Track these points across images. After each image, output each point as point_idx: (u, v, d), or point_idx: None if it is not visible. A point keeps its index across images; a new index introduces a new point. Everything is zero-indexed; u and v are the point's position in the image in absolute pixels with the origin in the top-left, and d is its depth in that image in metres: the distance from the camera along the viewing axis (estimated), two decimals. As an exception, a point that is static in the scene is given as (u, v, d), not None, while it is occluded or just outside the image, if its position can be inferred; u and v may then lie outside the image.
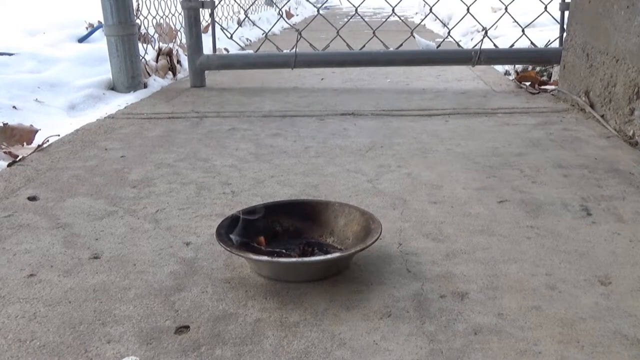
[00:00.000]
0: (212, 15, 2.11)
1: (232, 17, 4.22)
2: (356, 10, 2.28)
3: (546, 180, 1.06)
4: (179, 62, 2.39)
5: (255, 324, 0.65)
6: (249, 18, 2.69)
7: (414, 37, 2.36)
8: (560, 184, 1.04)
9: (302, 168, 1.15)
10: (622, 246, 0.81)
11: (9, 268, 0.78)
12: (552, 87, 1.87)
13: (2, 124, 1.44)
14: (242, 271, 0.76)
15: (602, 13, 1.47)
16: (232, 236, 0.77)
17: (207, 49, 2.07)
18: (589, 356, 0.58)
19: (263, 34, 2.44)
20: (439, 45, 2.31)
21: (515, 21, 2.38)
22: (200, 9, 2.01)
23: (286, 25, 4.44)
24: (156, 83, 2.08)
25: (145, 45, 2.28)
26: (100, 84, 1.96)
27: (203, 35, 2.04)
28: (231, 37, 2.41)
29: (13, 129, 1.43)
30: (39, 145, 1.31)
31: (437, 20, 2.77)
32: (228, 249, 0.73)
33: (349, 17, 2.56)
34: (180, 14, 2.81)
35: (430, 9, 2.34)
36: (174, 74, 2.31)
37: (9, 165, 1.19)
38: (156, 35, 2.63)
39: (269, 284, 0.73)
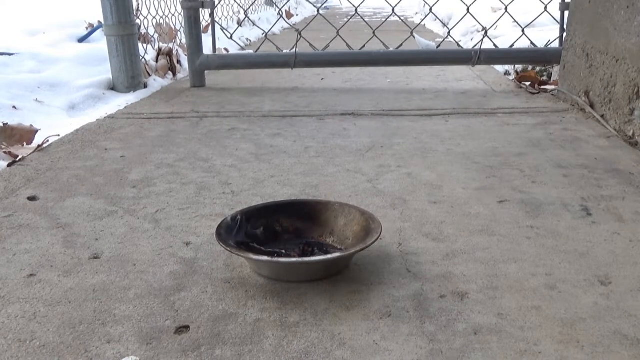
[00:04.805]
0: (212, 15, 2.11)
1: (232, 17, 4.23)
2: (356, 10, 2.28)
3: (546, 180, 1.06)
4: (179, 62, 2.39)
5: (255, 324, 0.65)
6: (249, 18, 2.69)
7: (414, 37, 2.36)
8: (560, 184, 1.04)
9: (302, 168, 1.15)
10: (622, 246, 0.81)
11: (9, 268, 0.78)
12: (552, 87, 1.87)
13: (2, 124, 1.44)
14: (242, 271, 0.76)
15: (602, 13, 1.47)
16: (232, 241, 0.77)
17: (207, 49, 2.07)
18: (589, 356, 0.58)
19: (263, 34, 2.44)
20: (439, 45, 2.31)
21: (515, 21, 2.38)
22: (200, 9, 2.01)
23: (286, 25, 4.44)
24: (156, 83, 2.08)
25: (145, 45, 2.28)
26: (100, 84, 1.96)
27: (203, 35, 2.04)
28: (231, 37, 2.41)
29: (13, 129, 1.43)
30: (39, 145, 1.31)
31: (437, 20, 2.77)
32: (228, 249, 0.73)
33: (349, 17, 2.57)
34: (180, 14, 2.81)
35: (430, 9, 2.34)
36: (174, 74, 2.31)
37: (9, 165, 1.19)
38: (156, 35, 2.63)
39: (269, 284, 0.73)
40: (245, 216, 0.81)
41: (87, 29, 3.02)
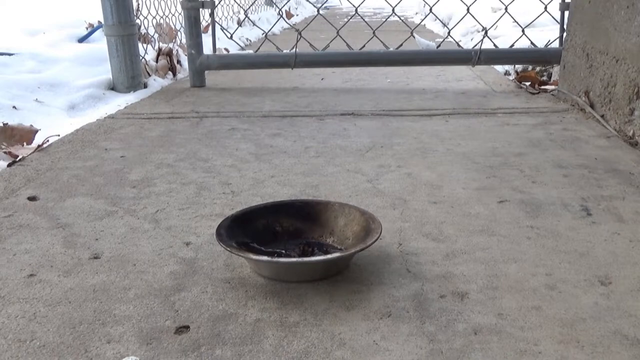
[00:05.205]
0: (212, 15, 2.11)
1: (232, 17, 4.23)
2: (356, 10, 2.28)
3: (546, 180, 1.06)
4: (179, 62, 2.39)
5: (255, 324, 0.65)
6: (249, 18, 2.69)
7: (414, 37, 2.36)
8: (560, 184, 1.04)
9: (302, 168, 1.15)
10: (622, 246, 0.81)
11: (9, 268, 0.78)
12: (552, 87, 1.87)
13: (2, 124, 1.44)
14: (242, 271, 0.76)
15: (602, 13, 1.47)
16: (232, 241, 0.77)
17: (207, 49, 2.07)
18: (589, 356, 0.58)
19: (263, 34, 2.44)
20: (439, 45, 2.31)
21: (515, 21, 2.38)
22: (200, 9, 2.01)
23: (286, 25, 4.44)
24: (156, 83, 2.08)
25: (145, 45, 2.28)
26: (100, 84, 1.96)
27: (203, 35, 2.04)
28: (231, 37, 2.41)
29: (13, 129, 1.43)
30: (39, 145, 1.31)
31: (437, 20, 2.77)
32: (228, 249, 0.73)
33: (349, 17, 2.56)
34: (180, 14, 2.81)
35: (430, 9, 2.34)
36: (174, 74, 2.31)
37: (9, 165, 1.19)
38: (156, 35, 2.63)
39: (269, 284, 0.73)
40: (245, 216, 0.81)
41: (87, 29, 3.02)
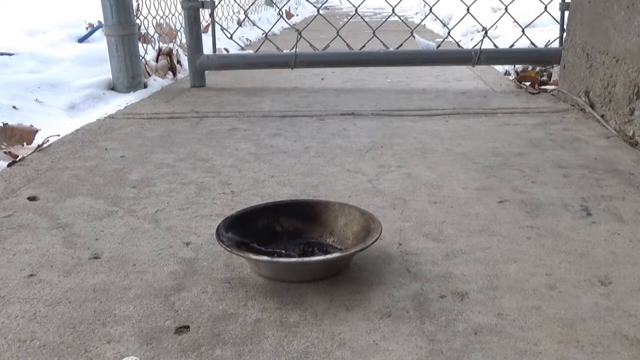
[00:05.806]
0: (212, 15, 2.11)
1: (232, 17, 4.23)
2: (356, 10, 2.28)
3: (546, 180, 1.06)
4: (179, 62, 2.39)
5: (255, 324, 0.65)
6: (249, 18, 2.69)
7: (414, 37, 2.36)
8: (560, 184, 1.04)
9: (302, 168, 1.15)
10: (622, 246, 0.81)
11: (9, 268, 0.78)
12: (552, 87, 1.87)
13: (2, 124, 1.44)
14: (242, 271, 0.76)
15: (602, 13, 1.47)
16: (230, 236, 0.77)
17: (207, 49, 2.07)
18: (589, 356, 0.59)
19: (263, 34, 2.44)
20: (439, 45, 2.31)
21: (515, 21, 2.38)
22: (200, 9, 2.01)
23: (286, 25, 4.44)
24: (156, 83, 2.08)
25: (145, 45, 2.28)
26: (100, 84, 1.96)
27: (203, 35, 2.04)
28: (231, 37, 2.41)
29: (13, 129, 1.43)
30: (39, 145, 1.31)
31: (437, 20, 2.77)
32: (228, 249, 0.73)
33: (349, 17, 2.56)
34: (180, 14, 2.81)
35: (430, 9, 2.34)
36: (174, 74, 2.31)
37: (9, 165, 1.19)
38: (156, 35, 2.63)
39: (269, 284, 0.73)
40: (245, 216, 0.81)
41: (87, 29, 3.02)
